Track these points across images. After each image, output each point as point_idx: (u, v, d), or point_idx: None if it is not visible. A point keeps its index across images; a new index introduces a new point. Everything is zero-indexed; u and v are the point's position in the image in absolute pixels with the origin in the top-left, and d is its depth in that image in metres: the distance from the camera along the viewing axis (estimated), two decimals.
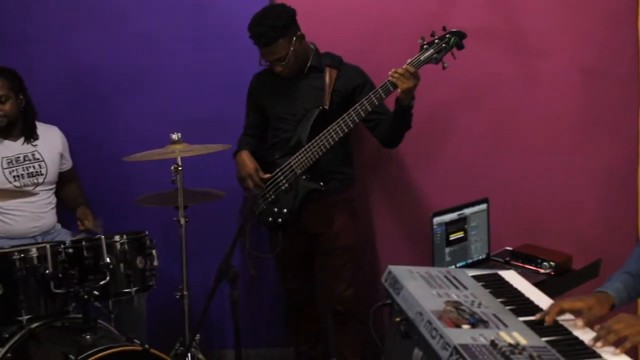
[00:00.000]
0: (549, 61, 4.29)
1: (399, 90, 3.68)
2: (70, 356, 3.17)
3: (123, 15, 4.56)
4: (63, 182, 4.50)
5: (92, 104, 4.61)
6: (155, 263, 3.71)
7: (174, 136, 3.75)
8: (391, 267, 2.74)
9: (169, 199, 3.91)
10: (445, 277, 2.74)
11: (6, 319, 3.41)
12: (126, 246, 3.59)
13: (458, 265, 3.64)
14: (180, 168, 3.74)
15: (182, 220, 3.80)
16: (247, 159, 4.06)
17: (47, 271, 3.38)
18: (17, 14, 4.62)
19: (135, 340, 3.38)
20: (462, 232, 3.66)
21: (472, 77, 4.26)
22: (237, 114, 4.28)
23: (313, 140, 3.86)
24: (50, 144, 4.41)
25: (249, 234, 4.17)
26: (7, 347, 3.44)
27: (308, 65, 4.01)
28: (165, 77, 4.55)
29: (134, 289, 3.60)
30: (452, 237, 3.62)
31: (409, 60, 3.67)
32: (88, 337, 3.35)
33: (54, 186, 4.41)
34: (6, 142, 4.30)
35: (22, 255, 3.38)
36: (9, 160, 4.26)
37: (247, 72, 4.22)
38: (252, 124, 4.22)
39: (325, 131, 3.83)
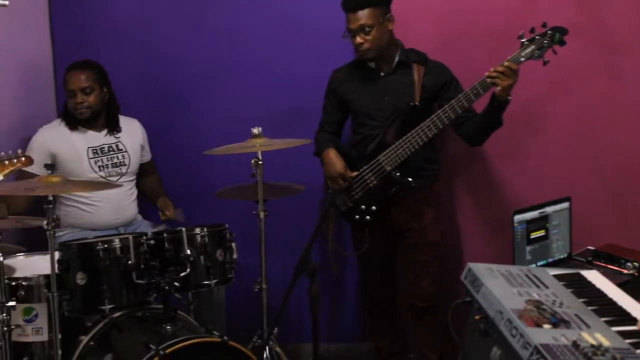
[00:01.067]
0: (634, 57, 4.19)
1: (497, 88, 3.63)
2: (151, 346, 3.20)
3: (204, 9, 4.61)
4: (143, 174, 4.58)
5: (174, 98, 4.68)
6: (235, 256, 3.73)
7: (255, 130, 3.77)
8: (471, 265, 2.71)
9: (249, 193, 3.93)
10: (526, 275, 2.70)
11: (90, 308, 3.48)
12: (206, 239, 3.62)
13: (539, 264, 3.59)
14: (260, 162, 3.76)
15: (262, 214, 3.82)
16: (335, 158, 4.04)
17: (130, 262, 3.43)
18: (101, 9, 4.72)
19: (215, 332, 3.41)
20: (543, 231, 3.62)
21: (556, 74, 4.19)
22: (318, 109, 4.28)
23: (405, 137, 3.83)
24: (132, 135, 4.50)
25: (332, 231, 4.17)
26: (90, 335, 3.52)
27: (396, 60, 3.98)
28: (246, 72, 4.59)
29: (214, 281, 3.62)
30: (533, 235, 3.58)
31: (509, 58, 3.62)
32: (168, 327, 3.40)
33: (135, 177, 4.49)
34: (90, 132, 4.39)
35: (106, 245, 3.44)
36: (94, 150, 4.35)
37: (328, 67, 4.22)
38: (331, 121, 4.20)
39: (418, 128, 3.80)
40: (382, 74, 4.02)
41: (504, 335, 2.27)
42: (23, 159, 3.13)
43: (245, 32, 4.57)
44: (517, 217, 3.52)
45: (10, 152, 3.14)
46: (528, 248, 3.56)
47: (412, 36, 4.18)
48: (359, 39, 3.88)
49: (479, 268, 2.70)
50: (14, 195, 4.01)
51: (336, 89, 4.14)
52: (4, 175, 3.04)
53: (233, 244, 3.73)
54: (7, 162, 3.06)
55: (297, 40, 4.52)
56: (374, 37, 3.87)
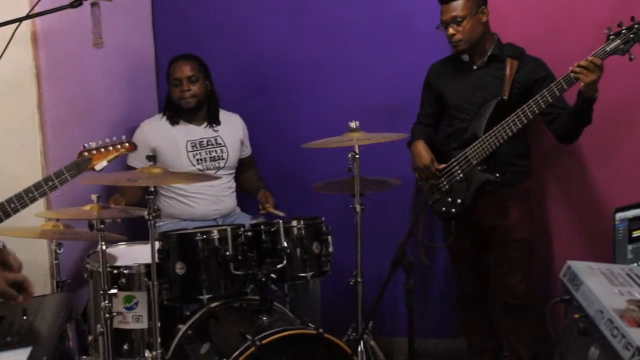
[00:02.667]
0: None
1: (581, 83, 3.57)
2: (248, 336, 3.24)
3: (305, 3, 4.64)
4: (242, 168, 4.64)
5: (273, 92, 4.73)
6: (331, 249, 3.74)
7: (352, 124, 3.78)
8: (570, 263, 2.66)
9: (345, 187, 3.94)
10: (628, 275, 2.64)
11: (188, 297, 3.54)
12: (303, 231, 3.64)
13: None
14: (357, 156, 3.76)
15: (358, 208, 3.82)
16: (422, 149, 4.05)
17: (228, 253, 3.47)
18: (203, 4, 4.79)
19: (310, 324, 3.43)
20: None
21: None
22: (415, 103, 4.27)
23: (491, 131, 3.82)
24: (232, 130, 4.56)
25: (421, 224, 4.16)
26: (188, 324, 3.58)
27: (489, 53, 3.96)
28: (344, 65, 4.61)
29: (310, 273, 3.64)
30: (635, 234, 3.49)
31: (593, 52, 3.56)
32: (265, 318, 3.43)
33: (233, 171, 4.56)
34: (190, 125, 4.48)
35: (205, 236, 3.49)
36: (193, 144, 4.44)
37: (426, 62, 4.21)
38: (427, 114, 4.21)
39: (503, 122, 3.78)
40: (475, 67, 4.01)
41: (604, 335, 2.22)
42: (127, 144, 3.20)
43: (345, 25, 4.59)
44: (619, 215, 3.44)
45: (115, 138, 3.22)
46: (630, 247, 3.47)
47: (510, 31, 4.13)
48: (451, 30, 3.88)
49: (578, 266, 2.65)
50: (128, 188, 4.12)
51: (431, 83, 4.15)
52: (108, 161, 3.12)
53: (329, 237, 3.74)
54: (111, 148, 3.14)
55: (397, 34, 4.52)
56: (466, 28, 3.86)
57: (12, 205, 2.92)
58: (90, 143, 3.11)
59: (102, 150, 3.09)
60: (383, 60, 4.57)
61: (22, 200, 2.92)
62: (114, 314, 3.41)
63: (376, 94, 4.57)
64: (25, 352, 2.13)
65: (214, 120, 4.51)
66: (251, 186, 4.65)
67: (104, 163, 3.09)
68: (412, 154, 4.11)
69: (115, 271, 3.59)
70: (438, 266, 4.62)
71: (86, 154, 3.06)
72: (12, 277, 2.52)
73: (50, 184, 2.90)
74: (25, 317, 2.46)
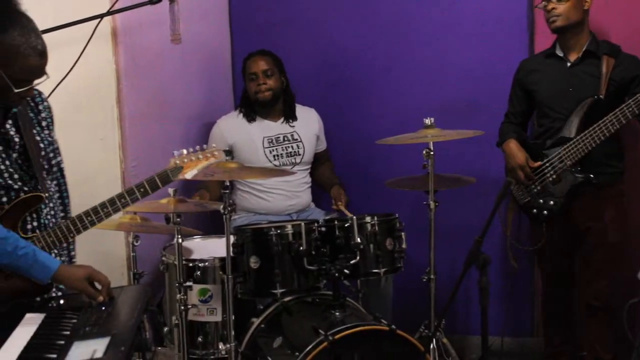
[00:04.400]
0: None
1: None
2: (320, 331, 3.25)
3: None
4: (317, 162, 4.65)
5: (348, 88, 4.73)
6: (404, 245, 3.72)
7: (427, 121, 3.75)
8: None
9: (419, 183, 3.92)
10: None
11: (262, 291, 3.57)
12: (376, 227, 3.63)
13: None
14: (432, 153, 3.74)
15: (432, 205, 3.80)
16: (516, 149, 3.99)
17: (301, 248, 3.48)
18: (278, 0, 4.83)
19: (383, 320, 3.43)
20: None
21: None
22: (491, 101, 4.24)
23: (587, 131, 3.74)
24: (308, 125, 4.58)
25: (511, 225, 4.11)
26: (261, 318, 3.62)
27: (584, 49, 3.89)
28: (420, 61, 4.60)
29: (383, 269, 3.62)
30: None
31: None
32: (337, 313, 3.44)
33: (309, 166, 4.58)
34: (266, 121, 4.51)
35: (279, 231, 3.51)
36: (270, 140, 4.47)
37: (502, 58, 4.17)
38: (516, 112, 4.13)
39: (600, 122, 3.70)
40: (569, 64, 3.93)
41: None
42: (216, 153, 3.23)
43: (421, 21, 4.58)
44: None
45: (205, 146, 3.24)
46: None
47: (606, 28, 4.07)
48: (552, 5, 3.83)
49: None
50: (211, 183, 4.17)
51: (521, 79, 4.07)
52: (198, 170, 3.14)
53: (402, 234, 3.73)
54: (201, 157, 3.16)
55: (473, 31, 4.48)
56: (567, 5, 3.81)
57: (122, 200, 2.98)
58: (182, 150, 3.15)
59: (193, 158, 3.12)
60: (459, 56, 4.54)
61: (116, 203, 2.98)
62: (189, 306, 3.45)
63: (452, 91, 4.54)
64: (104, 342, 2.17)
65: (290, 116, 4.54)
66: (325, 181, 4.66)
67: (194, 171, 3.11)
68: (505, 154, 4.04)
69: (191, 264, 3.63)
70: (519, 263, 4.56)
71: (177, 161, 3.09)
72: (97, 279, 2.58)
73: (142, 190, 2.96)
74: (103, 308, 2.51)
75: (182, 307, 3.42)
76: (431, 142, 3.74)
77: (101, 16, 3.63)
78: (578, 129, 3.78)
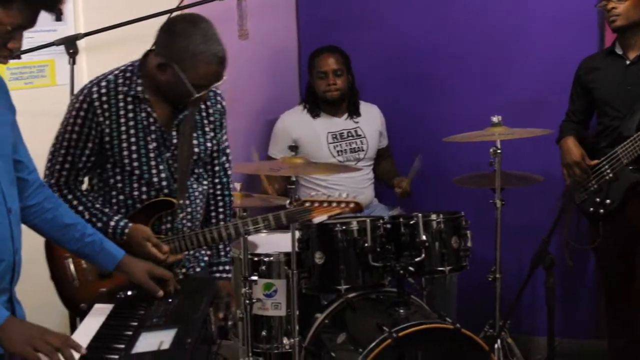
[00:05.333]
0: None
1: None
2: (384, 328, 3.25)
3: None
4: (379, 159, 4.65)
5: (414, 84, 4.72)
6: (469, 244, 3.70)
7: (495, 119, 3.73)
8: None
9: (486, 181, 3.90)
10: None
11: (326, 287, 3.58)
12: (442, 225, 3.61)
13: None
14: (499, 151, 3.71)
15: (499, 203, 3.77)
16: (573, 146, 3.94)
17: (366, 244, 3.48)
18: None
19: (447, 319, 3.42)
20: None
21: None
22: (559, 99, 4.17)
23: None
24: (371, 121, 4.58)
25: (568, 224, 4.06)
26: (325, 313, 3.63)
27: None
28: (488, 58, 4.56)
29: (448, 268, 3.61)
30: None
31: None
32: (402, 311, 3.43)
33: (372, 162, 4.58)
34: (331, 117, 4.52)
35: (344, 227, 3.52)
36: (334, 136, 4.47)
37: (570, 57, 4.11)
38: (576, 110, 4.08)
39: None
40: (628, 62, 3.86)
41: None
42: (352, 205, 3.23)
43: (489, 18, 4.53)
44: None
45: (346, 195, 3.23)
46: None
47: None
48: (611, 4, 3.76)
49: None
50: (274, 178, 4.19)
51: (581, 77, 4.02)
52: (329, 217, 3.15)
53: (468, 232, 3.70)
54: (335, 205, 3.15)
55: (542, 27, 4.43)
56: (627, 5, 3.74)
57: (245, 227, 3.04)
58: (319, 192, 3.18)
59: (326, 204, 3.14)
60: (528, 53, 4.49)
61: (239, 229, 3.05)
62: (254, 300, 3.48)
63: (520, 88, 4.49)
64: (171, 333, 2.19)
65: (354, 112, 4.54)
66: (386, 176, 4.64)
67: (324, 217, 3.12)
68: (562, 150, 4.00)
69: (256, 258, 3.66)
70: (580, 265, 4.50)
71: (308, 204, 3.12)
72: (159, 273, 2.60)
73: (266, 222, 3.01)
74: (170, 300, 2.53)
75: (247, 301, 3.44)
76: (498, 140, 3.71)
77: (170, 11, 3.66)
78: (637, 126, 3.72)
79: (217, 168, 3.10)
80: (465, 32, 4.59)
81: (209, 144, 3.02)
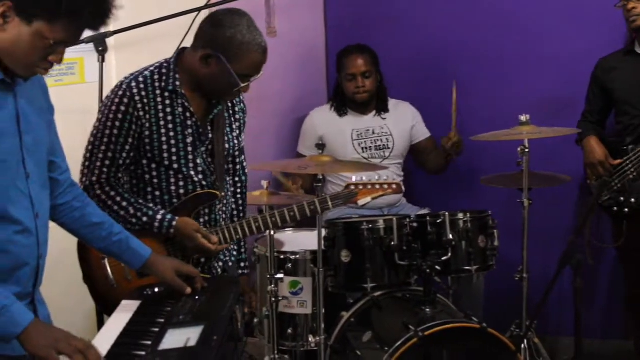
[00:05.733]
0: None
1: None
2: (410, 327, 3.24)
3: None
4: (425, 153, 4.65)
5: (442, 82, 4.69)
6: (496, 243, 3.68)
7: (523, 118, 3.70)
8: None
9: (513, 180, 3.88)
10: None
11: (352, 285, 3.58)
12: (469, 224, 3.60)
13: None
14: (527, 150, 3.69)
15: (526, 202, 3.75)
16: (596, 145, 3.93)
17: (393, 243, 3.47)
18: None
19: (474, 318, 3.40)
20: None
21: None
22: None
23: None
24: (400, 119, 4.57)
25: (589, 222, 4.04)
26: (351, 312, 3.62)
27: None
28: (516, 57, 4.55)
29: (475, 267, 3.59)
30: None
31: None
32: (428, 310, 3.41)
33: (401, 160, 4.57)
34: (358, 115, 4.53)
35: (370, 226, 3.51)
36: (359, 133, 4.47)
37: (599, 56, 4.09)
38: (593, 110, 4.07)
39: None
40: None
41: None
42: (395, 186, 3.25)
43: (517, 16, 4.52)
44: None
45: (386, 177, 3.27)
46: None
47: None
48: (631, 4, 3.76)
49: None
50: (301, 174, 4.21)
51: (599, 77, 4.02)
52: (373, 198, 3.19)
53: (495, 231, 3.68)
54: (378, 187, 3.19)
55: (571, 26, 4.40)
56: None
57: (272, 219, 3.10)
58: (362, 176, 3.22)
59: (369, 187, 3.18)
60: (556, 52, 4.46)
61: (277, 217, 3.09)
62: (280, 298, 3.47)
63: (548, 87, 4.47)
64: (197, 330, 2.20)
65: (382, 109, 4.54)
66: (438, 167, 4.64)
67: (368, 199, 3.17)
68: (584, 150, 3.99)
69: (282, 256, 3.66)
70: (606, 265, 4.48)
71: (353, 187, 3.16)
72: (186, 270, 2.62)
73: (312, 207, 3.06)
74: (197, 297, 2.55)
75: (273, 299, 3.44)
76: (526, 139, 3.69)
77: (199, 9, 3.69)
78: None
79: (238, 167, 3.21)
80: (495, 31, 4.58)
81: (236, 141, 3.13)
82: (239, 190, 3.26)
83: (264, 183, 3.38)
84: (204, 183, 2.98)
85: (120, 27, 3.56)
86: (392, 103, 4.58)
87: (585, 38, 4.38)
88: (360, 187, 3.15)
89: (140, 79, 2.90)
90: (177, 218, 2.92)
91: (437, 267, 3.46)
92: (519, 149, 3.70)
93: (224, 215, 3.09)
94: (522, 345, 3.66)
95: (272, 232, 3.40)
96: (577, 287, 2.87)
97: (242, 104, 3.18)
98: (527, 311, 3.80)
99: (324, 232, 3.50)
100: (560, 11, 4.45)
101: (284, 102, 4.64)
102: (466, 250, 3.59)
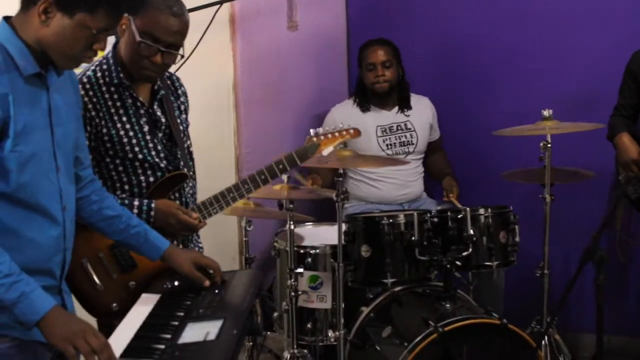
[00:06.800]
0: None
1: None
2: (430, 322, 3.22)
3: None
4: (430, 152, 4.62)
5: (465, 77, 4.68)
6: (517, 239, 3.66)
7: (545, 113, 3.68)
8: None
9: (535, 176, 3.85)
10: None
11: (372, 280, 3.57)
12: (490, 220, 3.58)
13: None
14: (549, 145, 3.66)
15: (548, 198, 3.73)
16: (629, 143, 3.88)
17: (413, 238, 3.47)
18: None
19: (494, 314, 3.38)
20: None
21: None
22: (610, 93, 4.11)
23: None
24: (421, 114, 4.55)
25: (620, 220, 4.00)
26: (371, 307, 3.61)
27: None
28: (539, 52, 4.51)
29: (495, 262, 3.58)
30: None
31: None
32: (448, 305, 3.40)
33: (422, 156, 4.55)
34: (380, 110, 4.50)
35: (391, 220, 3.50)
36: (383, 129, 4.46)
37: (622, 50, 4.04)
38: (627, 105, 4.01)
39: None
40: None
41: None
42: (352, 130, 3.25)
43: (540, 10, 4.48)
44: None
45: (341, 125, 3.28)
46: None
47: None
48: None
49: None
50: (321, 169, 4.20)
51: (634, 71, 3.95)
52: (334, 147, 3.19)
53: (516, 227, 3.66)
54: (337, 134, 3.20)
55: (594, 20, 4.36)
56: None
57: (245, 186, 3.06)
58: (318, 129, 3.21)
59: (329, 136, 3.17)
60: (579, 46, 4.42)
61: (251, 182, 3.05)
62: (299, 292, 3.47)
63: (571, 82, 4.43)
64: (217, 324, 2.20)
65: (404, 105, 4.52)
66: (438, 170, 4.62)
67: (330, 148, 3.16)
68: (617, 148, 3.94)
69: (302, 251, 3.66)
70: (631, 261, 4.45)
71: (314, 139, 3.15)
72: (205, 262, 2.62)
73: (280, 166, 3.02)
74: (216, 291, 2.54)
75: (293, 293, 3.44)
76: (549, 135, 3.66)
77: (220, 3, 3.68)
78: None
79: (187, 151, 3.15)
80: (517, 25, 4.54)
81: (186, 124, 3.12)
82: (191, 174, 3.17)
83: (284, 177, 3.37)
84: (170, 168, 2.97)
85: None
86: (413, 98, 4.56)
87: (610, 32, 4.34)
88: (322, 137, 3.14)
89: (85, 80, 2.88)
90: (154, 200, 2.89)
91: (458, 263, 3.47)
92: (541, 144, 3.67)
93: (192, 198, 3.07)
94: (543, 342, 3.64)
95: (292, 227, 3.41)
96: (599, 283, 2.85)
97: (183, 87, 3.17)
98: (548, 307, 3.79)
99: (344, 227, 3.49)
100: (585, 4, 4.41)
101: (304, 96, 4.63)
102: (487, 245, 3.57)
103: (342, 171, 3.36)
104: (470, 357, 3.27)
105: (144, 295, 2.57)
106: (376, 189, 4.41)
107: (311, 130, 3.22)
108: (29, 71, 2.14)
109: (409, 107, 4.52)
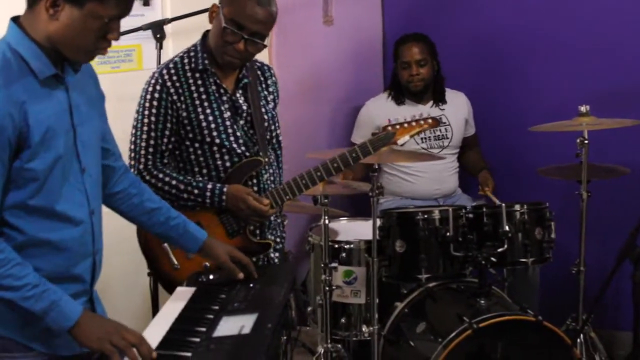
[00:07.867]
0: None
1: None
2: (465, 318, 3.22)
3: None
4: (465, 147, 4.59)
5: (501, 72, 4.65)
6: (553, 235, 3.64)
7: (582, 108, 3.65)
8: None
9: (571, 172, 3.82)
10: None
11: (406, 275, 3.57)
12: (526, 216, 3.56)
13: None
14: (586, 141, 3.63)
15: (584, 195, 3.70)
16: None
17: (448, 234, 3.46)
18: None
19: (529, 311, 3.37)
20: None
21: None
22: None
23: None
24: (457, 109, 4.53)
25: None
26: (405, 302, 3.60)
27: None
28: (576, 47, 4.45)
29: (531, 259, 3.55)
30: None
31: None
32: (482, 301, 3.39)
33: (457, 151, 4.53)
34: (415, 104, 4.48)
35: (426, 216, 3.49)
36: None
37: None
38: None
39: None
40: None
41: None
42: (430, 120, 3.25)
43: (578, 4, 4.43)
44: None
45: (418, 115, 3.28)
46: None
47: None
48: None
49: None
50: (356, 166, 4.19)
51: None
52: (410, 136, 3.19)
53: (552, 223, 3.64)
54: (414, 124, 3.19)
55: (632, 16, 4.31)
56: None
57: (317, 174, 3.08)
58: (397, 117, 3.22)
59: (406, 125, 3.17)
60: (617, 42, 4.36)
61: (323, 169, 3.08)
62: (334, 287, 3.48)
63: (609, 77, 4.38)
64: (252, 318, 2.20)
65: (439, 100, 4.50)
66: (473, 166, 4.60)
67: (406, 138, 3.15)
68: None
69: (336, 245, 3.66)
70: None
71: (390, 128, 3.16)
72: (238, 257, 2.63)
73: (354, 155, 3.04)
74: (251, 285, 2.55)
75: (327, 288, 3.45)
76: (586, 131, 3.63)
77: None
78: None
79: (274, 140, 3.21)
80: (554, 20, 4.50)
81: (273, 112, 3.18)
82: (280, 166, 3.28)
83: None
84: (247, 154, 3.03)
85: (178, 14, 3.59)
86: (448, 93, 4.53)
87: None
88: (397, 126, 3.13)
89: (171, 65, 3.00)
90: (227, 185, 2.98)
91: (493, 259, 3.45)
92: (578, 141, 3.64)
93: (272, 185, 3.12)
94: (578, 339, 3.63)
95: (327, 221, 3.41)
96: (636, 280, 2.83)
97: (274, 77, 3.24)
98: (584, 305, 3.75)
99: (378, 222, 3.49)
100: (621, 0, 4.36)
101: (339, 90, 4.63)
102: (522, 242, 3.55)
103: (376, 166, 3.36)
104: (504, 353, 3.25)
105: (179, 289, 2.58)
106: (410, 184, 4.39)
107: (389, 119, 3.24)
108: (45, 74, 2.09)
109: (444, 101, 4.50)
